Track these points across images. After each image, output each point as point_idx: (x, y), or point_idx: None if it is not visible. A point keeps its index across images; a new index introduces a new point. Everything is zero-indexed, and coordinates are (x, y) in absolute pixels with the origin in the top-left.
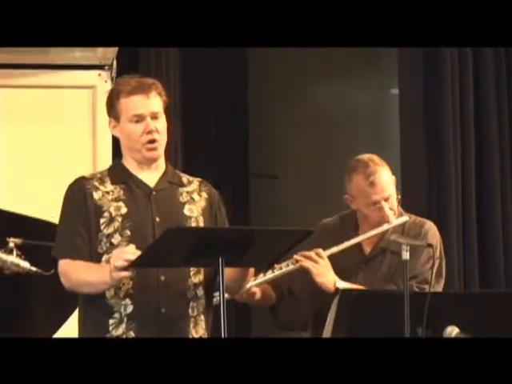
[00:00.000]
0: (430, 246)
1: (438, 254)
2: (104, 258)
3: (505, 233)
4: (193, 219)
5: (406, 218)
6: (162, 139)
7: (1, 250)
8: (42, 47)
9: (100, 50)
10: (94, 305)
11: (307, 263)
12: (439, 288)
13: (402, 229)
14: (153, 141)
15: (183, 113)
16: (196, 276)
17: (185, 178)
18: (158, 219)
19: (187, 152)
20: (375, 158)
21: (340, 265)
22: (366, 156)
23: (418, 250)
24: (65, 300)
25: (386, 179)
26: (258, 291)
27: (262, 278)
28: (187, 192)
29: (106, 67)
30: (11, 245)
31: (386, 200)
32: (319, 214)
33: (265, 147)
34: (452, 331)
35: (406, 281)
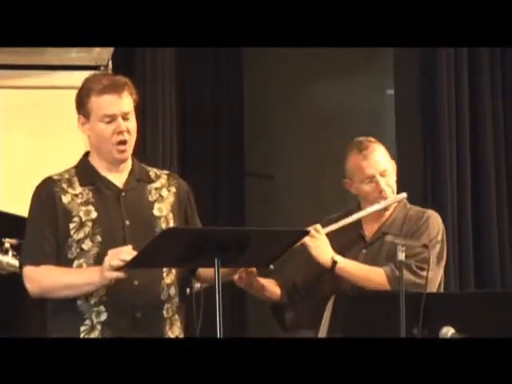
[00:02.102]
0: (425, 246)
1: (439, 238)
2: (75, 263)
3: (500, 233)
4: (162, 219)
5: (404, 194)
6: (131, 140)
7: None
8: (38, 48)
9: (95, 51)
10: (64, 311)
11: (305, 239)
12: (440, 270)
13: (403, 217)
14: (124, 142)
15: (179, 113)
16: (168, 276)
17: (152, 172)
18: (127, 222)
19: (184, 152)
20: (371, 138)
21: (340, 250)
22: (362, 137)
23: (419, 232)
24: None
25: (380, 154)
26: (264, 283)
27: None
28: (156, 189)
29: (102, 67)
30: (7, 245)
31: (382, 175)
32: (315, 214)
33: (261, 147)
34: (448, 332)
35: (401, 282)
